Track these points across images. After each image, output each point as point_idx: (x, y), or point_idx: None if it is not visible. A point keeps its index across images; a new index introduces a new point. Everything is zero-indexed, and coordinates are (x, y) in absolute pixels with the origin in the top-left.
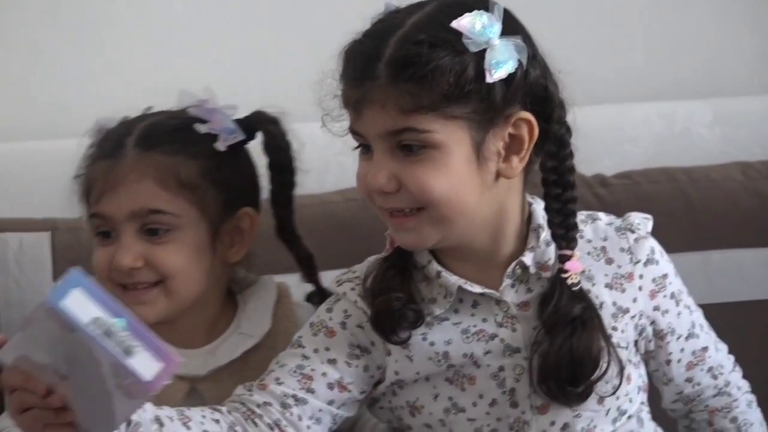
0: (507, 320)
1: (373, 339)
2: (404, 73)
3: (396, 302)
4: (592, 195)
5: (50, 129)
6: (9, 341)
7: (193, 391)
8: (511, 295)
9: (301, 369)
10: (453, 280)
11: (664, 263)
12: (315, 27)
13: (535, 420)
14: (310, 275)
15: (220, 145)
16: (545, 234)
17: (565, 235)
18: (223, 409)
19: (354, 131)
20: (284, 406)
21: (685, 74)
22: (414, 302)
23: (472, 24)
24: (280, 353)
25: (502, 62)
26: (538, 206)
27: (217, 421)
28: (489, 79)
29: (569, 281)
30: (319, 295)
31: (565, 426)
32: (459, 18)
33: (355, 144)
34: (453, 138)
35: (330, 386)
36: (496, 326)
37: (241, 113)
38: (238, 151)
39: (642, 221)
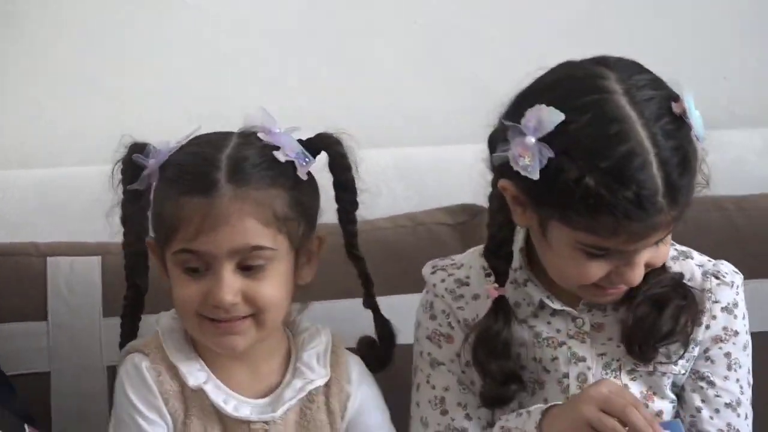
0: (578, 334)
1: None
2: None
3: (498, 380)
4: None
5: (104, 154)
6: None
7: None
8: (586, 315)
9: (461, 383)
10: (536, 293)
11: (741, 324)
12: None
13: None
14: (369, 297)
15: (302, 174)
16: None
17: None
18: None
19: None
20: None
21: (738, 103)
22: (516, 371)
23: None
24: (432, 379)
25: None
26: None
27: None
28: None
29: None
30: (379, 327)
31: None
32: None
33: None
34: None
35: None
36: (567, 337)
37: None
38: (311, 176)
39: (731, 273)
